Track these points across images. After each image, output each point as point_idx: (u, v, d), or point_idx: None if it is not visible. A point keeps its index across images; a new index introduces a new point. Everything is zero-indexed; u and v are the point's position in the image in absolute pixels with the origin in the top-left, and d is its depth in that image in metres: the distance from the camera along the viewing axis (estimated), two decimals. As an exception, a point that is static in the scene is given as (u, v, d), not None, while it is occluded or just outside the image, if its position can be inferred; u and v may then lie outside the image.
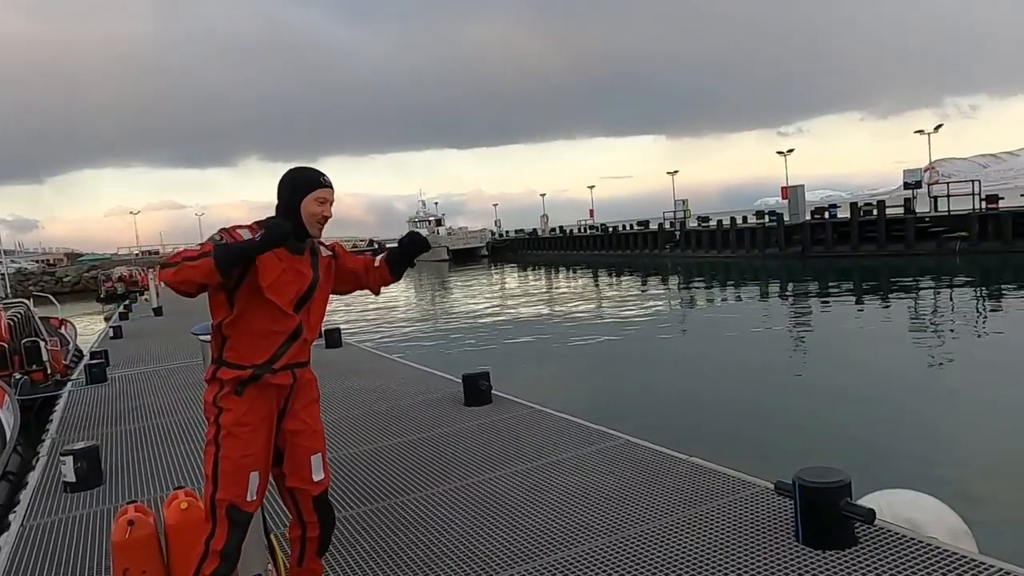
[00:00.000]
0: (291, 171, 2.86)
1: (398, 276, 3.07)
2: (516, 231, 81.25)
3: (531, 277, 43.33)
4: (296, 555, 3.03)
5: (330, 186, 2.84)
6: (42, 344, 11.89)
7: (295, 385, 2.84)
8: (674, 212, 50.76)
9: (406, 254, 3.04)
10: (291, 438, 2.85)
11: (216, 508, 2.69)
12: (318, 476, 2.90)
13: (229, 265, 2.50)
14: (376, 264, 3.06)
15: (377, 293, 3.20)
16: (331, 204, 2.84)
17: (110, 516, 4.43)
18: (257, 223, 2.79)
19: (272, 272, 2.68)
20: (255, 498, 2.74)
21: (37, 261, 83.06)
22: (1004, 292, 20.47)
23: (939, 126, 43.84)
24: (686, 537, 3.61)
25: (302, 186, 2.78)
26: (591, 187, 77.77)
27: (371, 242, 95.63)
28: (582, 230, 66.06)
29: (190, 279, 2.48)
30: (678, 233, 46.68)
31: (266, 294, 2.67)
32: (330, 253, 3.02)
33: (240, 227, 2.72)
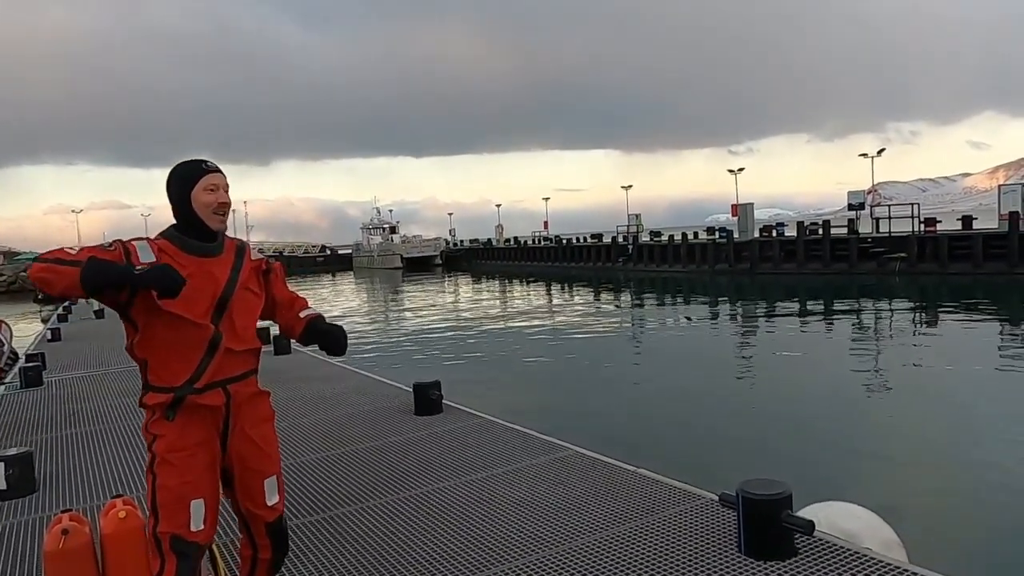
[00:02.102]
0: (172, 169, 2.63)
1: (304, 343, 2.94)
2: (471, 240, 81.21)
3: (485, 287, 43.34)
4: (246, 573, 2.89)
5: (217, 171, 2.60)
6: (-26, 345, 11.42)
7: (232, 403, 2.61)
8: (627, 226, 51.41)
9: (322, 336, 2.88)
10: (239, 461, 2.66)
11: (160, 542, 2.50)
12: (272, 500, 2.73)
13: (95, 286, 2.27)
14: (300, 316, 2.89)
15: (281, 335, 3.08)
16: (225, 189, 2.61)
17: (43, 525, 4.28)
18: (161, 234, 2.61)
19: None
20: (202, 527, 2.53)
21: (-30, 259, 79.68)
22: (940, 313, 21.27)
23: (882, 150, 45.47)
24: (633, 548, 3.65)
25: (186, 179, 2.57)
26: (546, 199, 78.37)
27: (323, 248, 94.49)
28: (536, 241, 66.42)
29: (52, 282, 2.24)
30: (631, 247, 47.28)
31: (169, 308, 2.43)
32: (262, 258, 2.83)
33: (139, 239, 2.52)
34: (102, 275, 2.27)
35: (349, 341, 2.97)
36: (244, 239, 2.82)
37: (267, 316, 2.92)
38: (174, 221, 2.63)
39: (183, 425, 2.52)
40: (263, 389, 2.80)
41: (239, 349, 2.62)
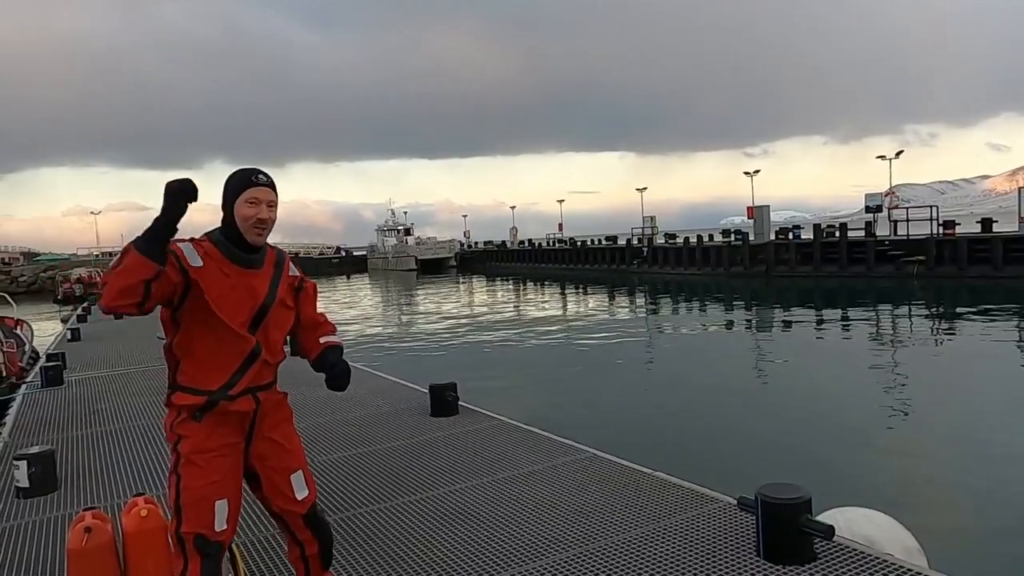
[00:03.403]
0: (231, 172, 2.63)
1: (315, 369, 2.94)
2: (485, 243, 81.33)
3: (499, 289, 43.35)
4: (302, 575, 2.91)
5: (266, 185, 2.55)
6: (-3, 345, 11.56)
7: (260, 410, 2.66)
8: (642, 228, 51.27)
9: (328, 367, 2.89)
10: (261, 461, 2.70)
11: (184, 542, 2.53)
12: (301, 494, 2.75)
13: (153, 245, 2.25)
14: (321, 341, 2.90)
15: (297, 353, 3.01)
16: (269, 205, 2.56)
17: (65, 523, 4.33)
18: (208, 235, 2.60)
19: (217, 287, 2.48)
20: (225, 527, 2.57)
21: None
22: (958, 317, 21.03)
23: (900, 152, 44.87)
24: (650, 551, 3.64)
25: (234, 188, 2.55)
26: (561, 201, 78.33)
27: (338, 249, 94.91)
28: (551, 243, 66.39)
29: (125, 286, 2.23)
30: (646, 249, 47.13)
31: (214, 309, 2.46)
32: (298, 276, 2.84)
33: (183, 240, 2.50)
34: (152, 237, 2.27)
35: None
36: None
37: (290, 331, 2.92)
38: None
39: (211, 428, 2.55)
40: (282, 391, 2.85)
41: (272, 362, 2.68)
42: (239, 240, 2.56)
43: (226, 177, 2.62)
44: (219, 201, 2.63)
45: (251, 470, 2.71)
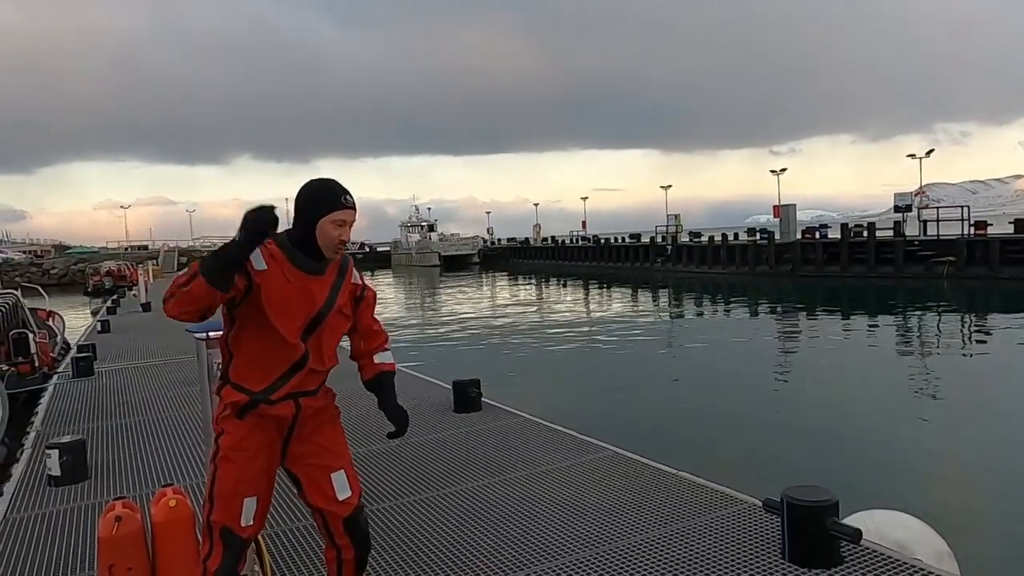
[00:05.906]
0: (312, 183, 2.58)
1: (365, 386, 2.94)
2: (508, 239, 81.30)
3: (522, 286, 43.36)
4: (333, 575, 2.90)
5: (352, 207, 2.57)
6: (31, 336, 11.77)
7: (300, 415, 2.65)
8: (666, 226, 50.95)
9: (386, 411, 2.93)
10: (301, 460, 2.71)
11: (212, 529, 2.60)
12: (343, 495, 2.71)
13: (220, 277, 2.31)
14: (375, 360, 2.88)
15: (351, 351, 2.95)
16: (351, 226, 2.58)
17: (95, 511, 4.41)
18: (274, 238, 2.53)
19: (277, 291, 2.47)
20: (251, 523, 2.62)
21: (24, 252, 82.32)
22: (990, 318, 20.64)
23: (931, 151, 44.05)
24: (673, 552, 3.62)
25: (321, 205, 2.53)
26: (584, 198, 78.09)
27: (362, 245, 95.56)
28: (574, 240, 66.21)
29: (190, 307, 2.33)
30: (670, 247, 46.82)
31: (270, 317, 2.47)
32: (360, 285, 2.80)
33: None
34: (220, 264, 2.31)
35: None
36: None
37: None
38: (289, 226, 2.61)
39: (250, 427, 2.59)
40: (329, 390, 2.81)
41: (320, 369, 2.66)
42: (311, 250, 2.55)
43: (306, 184, 2.59)
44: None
45: (290, 471, 2.73)
